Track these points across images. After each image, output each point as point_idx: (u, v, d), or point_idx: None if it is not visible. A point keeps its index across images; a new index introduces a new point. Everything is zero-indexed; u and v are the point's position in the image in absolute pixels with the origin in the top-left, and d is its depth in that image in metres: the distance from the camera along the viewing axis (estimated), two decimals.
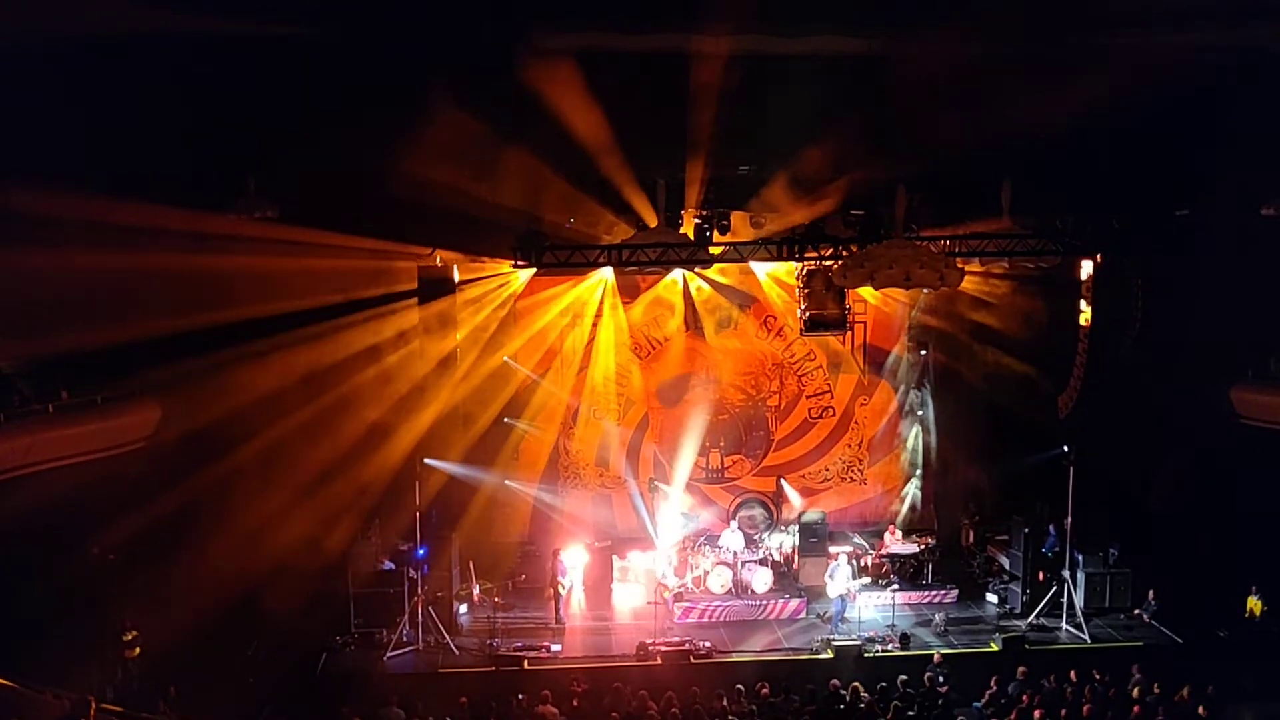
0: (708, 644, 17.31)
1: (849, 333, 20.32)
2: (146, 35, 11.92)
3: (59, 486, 15.03)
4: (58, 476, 15.22)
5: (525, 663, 16.69)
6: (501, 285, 19.93)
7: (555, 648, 17.36)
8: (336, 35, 11.93)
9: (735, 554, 19.38)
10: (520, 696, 14.83)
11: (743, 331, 21.46)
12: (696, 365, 21.43)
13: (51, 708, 12.02)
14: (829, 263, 17.93)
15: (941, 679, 15.49)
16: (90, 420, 15.84)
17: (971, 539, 21.16)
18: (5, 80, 11.63)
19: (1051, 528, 19.40)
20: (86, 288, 14.66)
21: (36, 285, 14.37)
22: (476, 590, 19.00)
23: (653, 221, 17.25)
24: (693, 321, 21.19)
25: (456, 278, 19.49)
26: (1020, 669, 15.54)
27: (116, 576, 16.03)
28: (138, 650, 15.53)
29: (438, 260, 18.90)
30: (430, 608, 17.49)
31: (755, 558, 19.42)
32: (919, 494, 22.24)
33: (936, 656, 16.24)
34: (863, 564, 19.49)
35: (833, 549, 19.40)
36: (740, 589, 19.10)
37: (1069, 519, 17.93)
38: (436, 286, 19.16)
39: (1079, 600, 18.18)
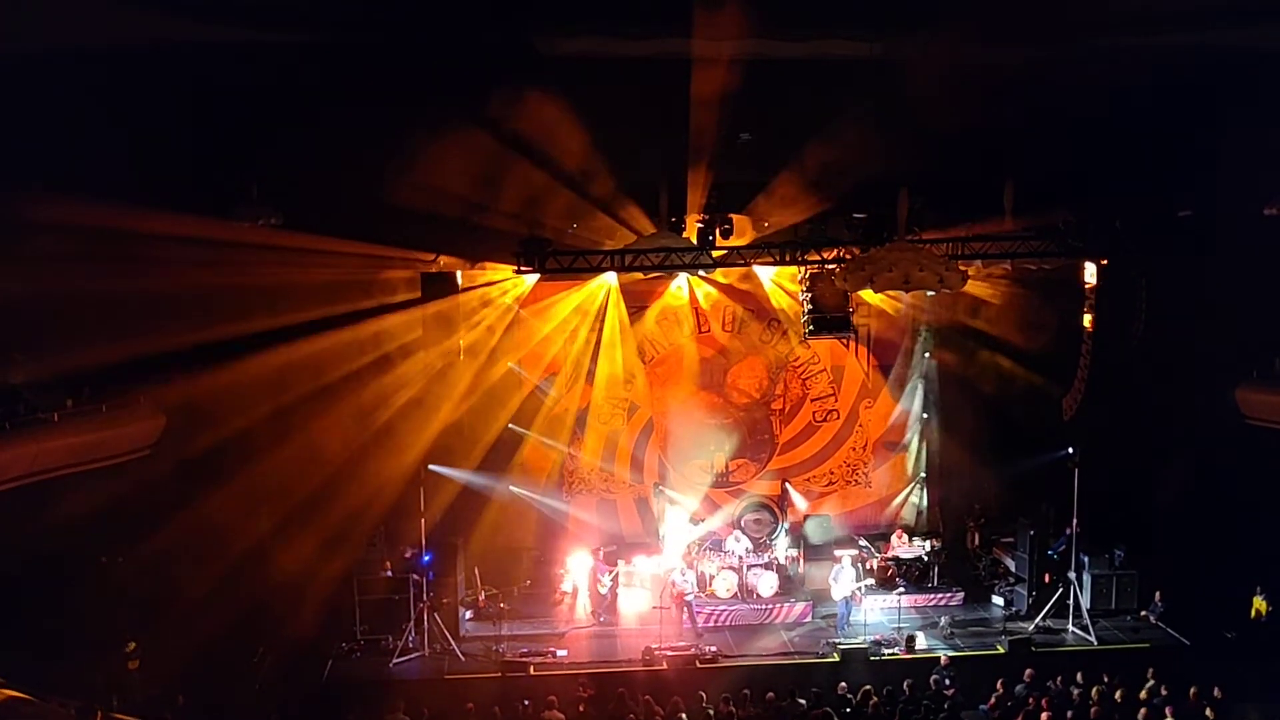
0: (714, 648, 17.31)
1: (853, 336, 20.32)
2: (149, 43, 11.96)
3: (64, 495, 15.04)
4: (63, 485, 15.22)
5: (531, 668, 16.70)
6: (505, 292, 19.88)
7: (561, 653, 17.36)
8: (339, 40, 11.97)
9: (740, 558, 19.37)
10: (526, 702, 14.83)
11: (746, 335, 21.45)
12: (701, 368, 21.42)
13: (58, 716, 12.03)
14: (832, 266, 17.93)
15: (948, 682, 15.47)
16: (95, 429, 15.82)
17: (977, 541, 21.11)
18: (9, 89, 11.67)
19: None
20: (89, 295, 14.68)
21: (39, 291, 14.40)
22: (482, 596, 19.01)
23: (655, 226, 17.28)
24: (698, 325, 21.21)
25: (460, 284, 19.45)
26: (1027, 671, 15.50)
27: (121, 585, 16.01)
28: (137, 662, 15.51)
29: (440, 266, 18.90)
30: (436, 614, 17.49)
31: (760, 561, 19.40)
32: (924, 497, 22.19)
33: (943, 659, 16.23)
34: (868, 567, 19.48)
35: (838, 552, 19.35)
36: (746, 593, 19.08)
37: (1074, 521, 17.91)
38: (440, 293, 19.07)
39: (1085, 602, 18.17)
